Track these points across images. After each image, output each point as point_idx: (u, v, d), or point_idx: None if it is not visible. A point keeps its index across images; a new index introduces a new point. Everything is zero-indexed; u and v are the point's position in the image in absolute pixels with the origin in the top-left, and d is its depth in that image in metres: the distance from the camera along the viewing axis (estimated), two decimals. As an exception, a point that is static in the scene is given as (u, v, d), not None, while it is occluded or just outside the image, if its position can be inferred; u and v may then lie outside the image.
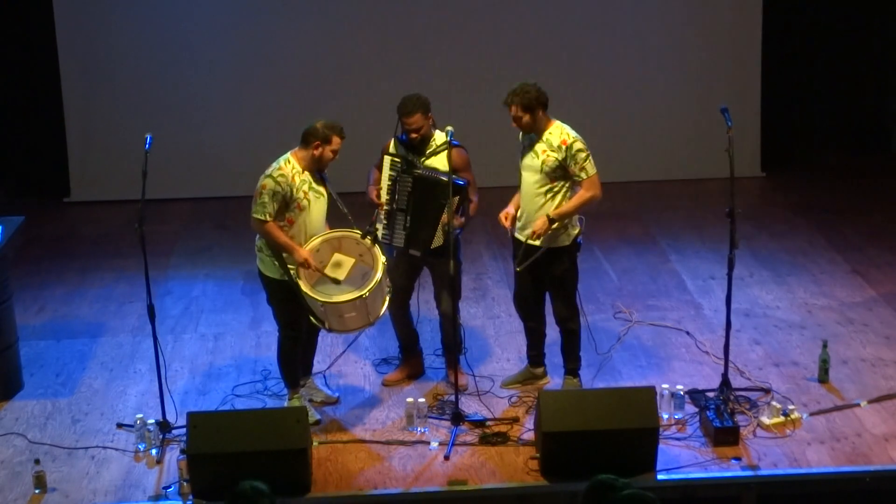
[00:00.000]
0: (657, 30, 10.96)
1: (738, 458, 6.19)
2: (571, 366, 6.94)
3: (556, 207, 6.53)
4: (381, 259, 6.36)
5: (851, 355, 7.35)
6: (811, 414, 6.64)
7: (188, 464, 5.94)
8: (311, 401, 6.79)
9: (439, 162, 6.63)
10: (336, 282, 6.35)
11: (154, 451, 6.38)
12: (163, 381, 6.57)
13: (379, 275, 6.30)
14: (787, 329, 7.77)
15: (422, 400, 6.66)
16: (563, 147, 6.47)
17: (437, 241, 6.64)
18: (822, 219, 9.87)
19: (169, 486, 6.04)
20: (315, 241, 6.40)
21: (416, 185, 6.58)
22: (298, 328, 6.57)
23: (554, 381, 7.04)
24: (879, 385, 6.97)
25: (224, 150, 10.81)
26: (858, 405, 6.73)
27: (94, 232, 10.07)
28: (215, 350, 7.67)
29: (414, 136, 6.62)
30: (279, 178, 6.26)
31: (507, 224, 6.67)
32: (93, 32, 10.62)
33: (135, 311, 8.21)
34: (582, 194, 6.56)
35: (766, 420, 6.50)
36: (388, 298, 6.48)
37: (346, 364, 7.38)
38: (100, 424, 6.74)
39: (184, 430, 6.12)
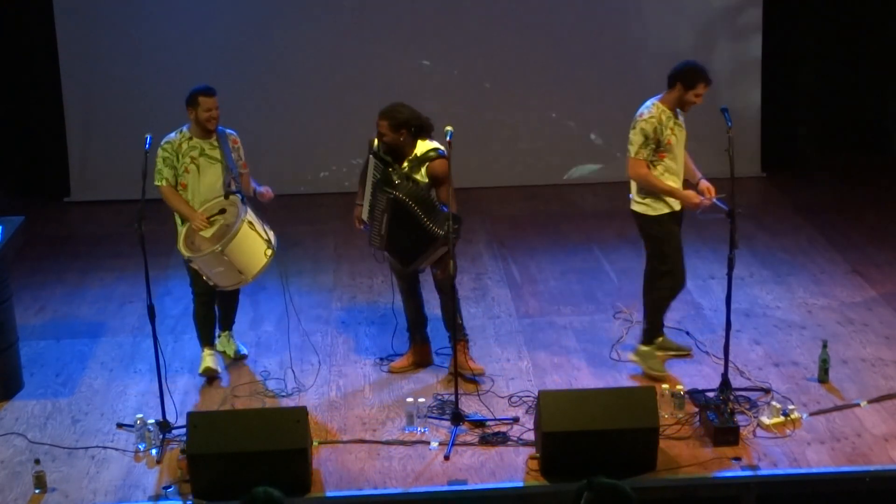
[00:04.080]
0: (657, 30, 10.95)
1: (738, 458, 6.19)
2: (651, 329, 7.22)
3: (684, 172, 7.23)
4: (243, 216, 6.66)
5: (851, 355, 7.34)
6: (811, 414, 6.64)
7: (188, 464, 5.95)
8: (223, 353, 7.34)
9: (420, 174, 6.71)
10: (206, 239, 6.73)
11: (154, 451, 6.38)
12: (163, 381, 6.57)
13: (235, 231, 6.58)
14: (787, 329, 7.76)
15: (422, 400, 6.66)
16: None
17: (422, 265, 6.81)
18: (822, 219, 9.86)
19: (169, 486, 6.05)
20: (206, 206, 6.87)
21: (389, 206, 6.62)
22: (205, 293, 7.05)
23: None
24: (879, 385, 6.97)
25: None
26: (858, 405, 6.73)
27: (94, 232, 10.07)
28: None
29: (378, 138, 6.72)
30: (165, 146, 6.91)
31: (713, 193, 6.89)
32: (93, 32, 10.61)
33: (135, 311, 8.21)
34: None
35: (766, 420, 6.50)
36: (268, 255, 6.73)
37: (346, 364, 7.39)
38: (100, 424, 6.74)
39: (184, 430, 6.12)
